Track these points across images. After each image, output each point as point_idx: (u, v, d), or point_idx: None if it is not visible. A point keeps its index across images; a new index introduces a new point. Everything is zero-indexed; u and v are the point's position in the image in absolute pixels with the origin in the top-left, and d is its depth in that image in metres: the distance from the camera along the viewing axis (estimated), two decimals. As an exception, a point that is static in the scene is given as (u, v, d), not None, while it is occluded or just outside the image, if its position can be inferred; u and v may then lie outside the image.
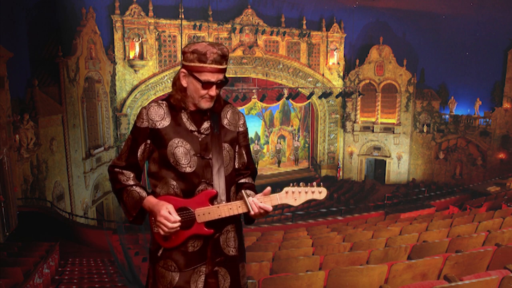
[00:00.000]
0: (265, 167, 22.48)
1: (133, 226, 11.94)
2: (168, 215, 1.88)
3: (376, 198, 19.77)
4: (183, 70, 1.97)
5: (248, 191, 2.05)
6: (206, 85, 1.92)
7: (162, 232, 1.92)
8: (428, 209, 14.29)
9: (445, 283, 2.99)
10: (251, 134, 21.70)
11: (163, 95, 18.11)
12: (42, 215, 11.96)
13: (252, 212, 1.92)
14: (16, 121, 11.62)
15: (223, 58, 1.92)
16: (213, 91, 1.93)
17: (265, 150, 22.78)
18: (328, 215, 14.64)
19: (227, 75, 1.98)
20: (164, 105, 2.02)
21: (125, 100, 17.29)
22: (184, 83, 1.98)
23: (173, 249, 1.98)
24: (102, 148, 16.42)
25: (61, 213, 13.13)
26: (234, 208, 1.94)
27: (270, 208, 1.93)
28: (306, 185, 1.95)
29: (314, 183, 1.96)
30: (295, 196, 1.94)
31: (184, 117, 2.00)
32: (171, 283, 1.99)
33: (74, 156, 14.56)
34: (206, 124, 2.02)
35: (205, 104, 1.97)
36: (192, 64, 1.92)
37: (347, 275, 3.58)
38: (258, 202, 1.92)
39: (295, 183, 1.96)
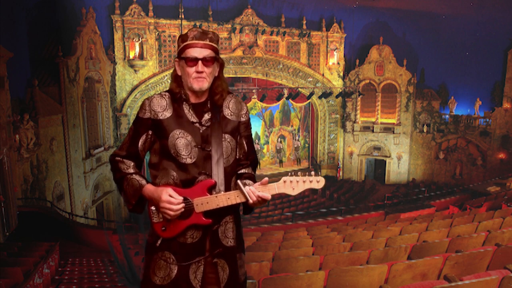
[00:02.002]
0: (265, 167, 22.47)
1: (133, 226, 11.96)
2: (170, 198, 1.89)
3: (376, 198, 19.77)
4: (177, 58, 2.02)
5: (247, 181, 2.05)
6: (191, 61, 1.94)
7: (168, 217, 1.92)
8: (428, 209, 14.30)
9: (445, 283, 2.99)
10: (251, 134, 21.68)
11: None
12: (42, 215, 11.95)
13: (250, 201, 1.93)
14: (16, 121, 11.62)
15: (205, 34, 1.96)
16: (199, 67, 1.94)
17: (265, 150, 22.78)
18: (328, 215, 14.65)
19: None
20: (167, 96, 2.04)
21: (125, 100, 17.29)
22: (178, 71, 2.03)
23: (172, 239, 1.99)
24: (102, 148, 16.42)
25: (61, 213, 13.13)
26: (232, 197, 1.94)
27: (269, 197, 1.94)
28: (304, 174, 1.95)
29: (312, 172, 1.96)
30: (293, 185, 1.94)
31: (186, 109, 2.02)
32: (169, 275, 2.00)
33: (74, 156, 14.56)
34: (207, 116, 2.03)
35: (196, 84, 1.96)
36: (179, 48, 1.99)
37: (347, 275, 3.58)
38: (256, 191, 1.93)
39: (292, 173, 1.96)
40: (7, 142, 10.50)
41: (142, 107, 2.03)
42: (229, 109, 2.09)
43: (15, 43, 12.37)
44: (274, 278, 3.64)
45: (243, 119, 2.13)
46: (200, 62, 1.94)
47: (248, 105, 20.51)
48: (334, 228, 9.60)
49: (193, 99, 2.03)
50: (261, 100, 20.01)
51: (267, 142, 22.85)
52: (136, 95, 17.48)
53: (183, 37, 1.98)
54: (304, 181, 1.94)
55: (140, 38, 17.08)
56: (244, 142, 2.15)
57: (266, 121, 22.72)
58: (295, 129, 23.50)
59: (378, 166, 23.07)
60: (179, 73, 2.02)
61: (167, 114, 2.00)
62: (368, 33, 22.15)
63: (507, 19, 18.41)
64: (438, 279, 3.73)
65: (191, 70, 1.95)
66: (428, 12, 19.94)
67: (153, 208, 1.99)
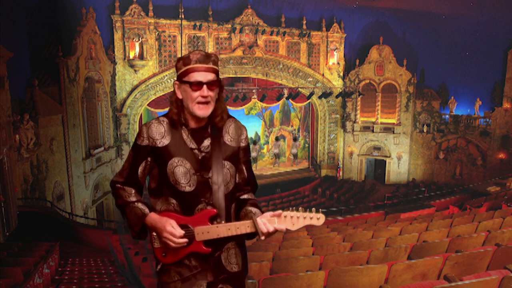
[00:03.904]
0: (265, 167, 22.48)
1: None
2: (173, 230, 1.90)
3: (376, 198, 19.77)
4: (176, 81, 1.97)
5: (253, 209, 2.03)
6: (196, 86, 1.89)
7: (169, 248, 1.94)
8: (428, 209, 14.29)
9: (445, 283, 2.99)
10: (251, 134, 21.69)
11: (163, 95, 18.14)
12: (42, 215, 11.96)
13: (262, 237, 1.91)
14: (16, 121, 11.62)
15: (208, 57, 1.92)
16: (204, 92, 1.90)
17: (265, 150, 22.78)
18: (328, 215, 14.64)
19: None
20: (165, 122, 2.00)
21: (125, 100, 17.29)
22: (179, 94, 1.97)
23: (171, 265, 2.00)
24: (102, 148, 16.42)
25: (61, 213, 13.13)
26: (233, 229, 1.94)
27: (284, 229, 1.92)
28: (305, 210, 1.93)
29: (313, 209, 1.95)
30: (293, 221, 1.93)
31: (185, 135, 1.99)
32: None
33: (74, 156, 14.56)
34: (206, 142, 2.00)
35: (200, 111, 1.92)
36: (180, 71, 1.94)
37: (347, 275, 3.58)
38: (269, 224, 1.90)
39: (293, 208, 1.95)
40: (7, 142, 10.50)
41: (140, 134, 2.00)
42: (229, 135, 2.05)
43: (15, 43, 12.37)
44: (274, 278, 3.64)
45: (242, 145, 2.09)
46: (205, 86, 1.90)
47: (248, 105, 20.55)
48: (334, 228, 9.59)
49: (193, 124, 1.99)
50: (261, 100, 20.01)
51: (267, 142, 22.85)
52: (136, 95, 17.49)
53: (184, 60, 1.92)
54: (304, 218, 1.92)
55: (140, 38, 17.08)
56: (244, 168, 2.12)
57: (266, 121, 22.72)
58: (295, 129, 23.50)
59: (378, 166, 23.07)
60: (180, 97, 1.97)
61: (165, 141, 1.97)
62: (368, 33, 22.16)
63: (507, 19, 18.40)
64: (438, 279, 3.73)
65: (195, 94, 1.90)
66: (428, 12, 19.94)
67: (154, 233, 2.00)
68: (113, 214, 17.07)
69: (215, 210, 1.95)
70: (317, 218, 1.93)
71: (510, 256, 3.77)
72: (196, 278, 2.00)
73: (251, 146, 21.61)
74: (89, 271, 8.71)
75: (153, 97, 17.99)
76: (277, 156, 22.84)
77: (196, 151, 1.98)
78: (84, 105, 15.36)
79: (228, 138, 2.05)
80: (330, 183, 21.92)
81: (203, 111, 1.93)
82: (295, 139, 23.13)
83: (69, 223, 12.84)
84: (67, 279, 7.77)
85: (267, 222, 1.89)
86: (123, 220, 2.08)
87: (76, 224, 13.20)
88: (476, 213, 8.94)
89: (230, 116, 2.09)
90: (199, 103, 1.91)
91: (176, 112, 1.98)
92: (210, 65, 1.92)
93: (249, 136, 2.22)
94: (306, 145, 23.82)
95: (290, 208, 1.95)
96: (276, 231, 1.91)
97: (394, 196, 18.20)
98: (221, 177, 1.99)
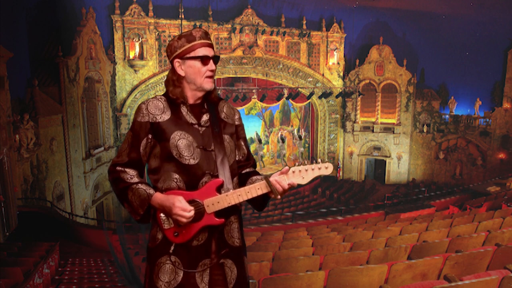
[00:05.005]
0: (265, 167, 22.46)
1: (133, 226, 11.96)
2: (183, 205, 1.88)
3: (376, 198, 19.78)
4: (177, 60, 1.99)
5: (260, 177, 2.06)
6: (205, 60, 1.97)
7: (181, 223, 1.91)
8: (428, 209, 14.30)
9: (445, 283, 2.99)
10: (251, 134, 21.70)
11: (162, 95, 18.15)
12: (42, 215, 11.96)
13: (278, 196, 1.92)
14: (16, 121, 11.62)
15: (207, 34, 2.02)
16: (212, 66, 1.99)
17: (265, 150, 22.77)
18: (328, 215, 14.66)
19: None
20: (163, 99, 2.02)
21: (125, 100, 17.29)
22: (181, 72, 2.00)
23: (184, 244, 1.95)
24: (102, 148, 16.43)
25: (61, 213, 13.13)
26: (243, 193, 1.92)
27: (295, 184, 1.93)
28: (312, 163, 1.94)
29: (319, 160, 1.95)
30: (302, 174, 1.93)
31: (184, 111, 2.00)
32: (175, 279, 1.97)
33: (74, 156, 14.56)
34: (205, 117, 2.03)
35: (208, 84, 2.00)
36: (183, 48, 1.98)
37: (347, 275, 3.58)
38: (282, 180, 1.91)
39: (299, 163, 1.95)
40: (7, 142, 10.50)
41: (139, 111, 1.99)
42: (224, 113, 2.10)
43: (15, 43, 12.37)
44: (274, 278, 3.64)
45: (237, 123, 2.14)
46: (211, 61, 1.99)
47: (248, 105, 20.55)
48: (334, 228, 9.59)
49: (191, 101, 2.02)
50: (261, 100, 20.00)
51: (267, 142, 22.84)
52: (136, 95, 17.49)
53: (188, 37, 1.97)
54: (312, 169, 1.93)
55: (140, 38, 17.08)
56: (243, 144, 2.16)
57: (266, 121, 22.72)
58: (295, 129, 23.50)
59: (378, 166, 23.07)
60: (183, 74, 1.99)
61: (166, 116, 1.97)
62: (368, 33, 22.16)
63: (507, 19, 18.41)
64: (438, 279, 3.73)
65: (204, 69, 1.97)
66: (428, 12, 19.94)
67: (162, 215, 1.95)
68: (113, 214, 17.08)
69: (221, 180, 1.95)
70: (326, 167, 1.94)
71: (510, 256, 3.77)
72: (199, 262, 1.97)
73: (252, 145, 21.66)
74: (89, 271, 8.70)
75: (153, 97, 17.97)
76: (278, 156, 22.86)
77: (196, 126, 2.00)
78: (84, 105, 15.36)
79: (224, 115, 2.10)
80: (330, 183, 21.92)
81: (211, 84, 2.01)
82: (300, 138, 23.08)
83: (69, 223, 12.84)
84: (67, 279, 7.77)
85: (280, 180, 1.90)
86: (122, 205, 2.02)
87: (76, 224, 13.20)
88: (476, 213, 8.94)
89: (221, 98, 2.14)
90: (207, 77, 1.99)
91: (179, 90, 2.01)
92: (210, 41, 2.02)
93: (249, 136, 2.24)
94: (306, 145, 23.83)
95: (297, 163, 1.95)
96: (290, 187, 1.93)
97: (394, 196, 18.20)
98: (223, 149, 2.01)
